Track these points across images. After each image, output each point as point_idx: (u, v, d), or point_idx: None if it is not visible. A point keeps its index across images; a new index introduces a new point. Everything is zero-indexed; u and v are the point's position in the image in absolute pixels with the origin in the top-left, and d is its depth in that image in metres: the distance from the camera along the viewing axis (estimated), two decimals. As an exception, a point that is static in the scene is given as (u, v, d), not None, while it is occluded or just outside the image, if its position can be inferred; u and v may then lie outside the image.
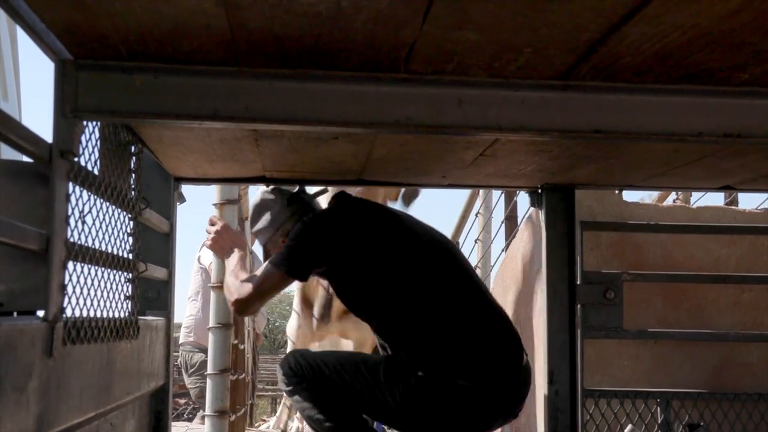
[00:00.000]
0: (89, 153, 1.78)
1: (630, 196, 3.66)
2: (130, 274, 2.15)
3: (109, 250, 1.95)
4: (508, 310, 4.29)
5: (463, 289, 2.63)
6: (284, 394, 4.20)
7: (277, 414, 6.24)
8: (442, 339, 2.53)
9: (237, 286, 2.70)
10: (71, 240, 1.65)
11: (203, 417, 3.94)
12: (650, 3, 1.36)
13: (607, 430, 3.32)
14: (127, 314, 2.10)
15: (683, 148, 2.25)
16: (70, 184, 1.65)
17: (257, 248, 5.05)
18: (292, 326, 5.12)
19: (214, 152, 2.40)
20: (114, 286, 2.00)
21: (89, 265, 1.78)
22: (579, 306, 3.02)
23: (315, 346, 4.90)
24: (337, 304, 4.71)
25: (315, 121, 1.77)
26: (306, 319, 4.99)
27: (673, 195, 5.17)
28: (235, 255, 2.86)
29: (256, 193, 3.01)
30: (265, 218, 2.87)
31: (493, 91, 1.78)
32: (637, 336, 3.31)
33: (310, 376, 2.66)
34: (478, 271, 6.12)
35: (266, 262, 2.69)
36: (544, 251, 2.98)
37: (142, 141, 2.24)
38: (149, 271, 2.35)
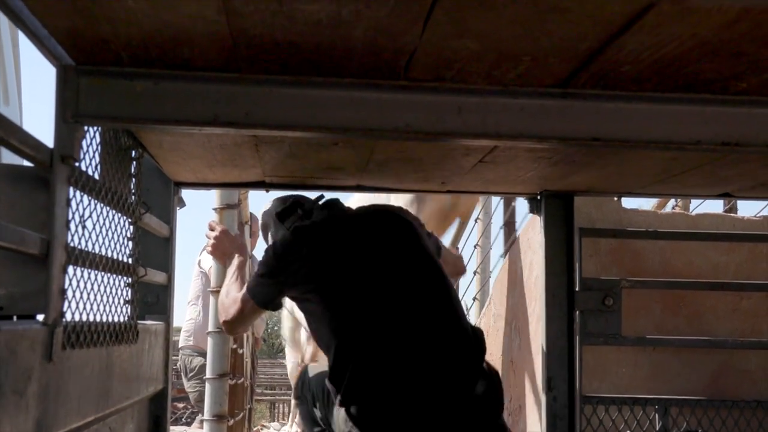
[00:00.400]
0: (90, 158, 1.79)
1: (629, 203, 3.67)
2: (130, 279, 2.16)
3: (109, 255, 1.96)
4: (507, 315, 4.29)
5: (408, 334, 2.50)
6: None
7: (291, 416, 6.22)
8: (398, 359, 2.46)
9: (226, 306, 2.75)
10: (71, 244, 1.65)
11: (202, 421, 3.94)
12: (649, 13, 1.37)
13: (605, 436, 3.32)
14: (126, 318, 2.11)
15: (682, 156, 2.26)
16: (71, 189, 1.65)
17: (257, 252, 5.04)
18: (286, 328, 5.12)
19: (214, 157, 2.40)
20: (113, 291, 2.00)
21: (89, 270, 1.79)
22: (577, 312, 3.02)
23: (311, 346, 4.88)
24: None
25: (315, 127, 1.77)
26: (297, 321, 5.00)
27: (672, 202, 5.18)
28: (235, 261, 2.87)
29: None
30: (270, 235, 2.88)
31: (493, 99, 1.79)
32: (635, 343, 3.32)
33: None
34: (477, 278, 6.13)
35: (246, 285, 2.70)
36: (542, 258, 2.98)
37: (143, 146, 2.25)
38: (149, 275, 2.36)
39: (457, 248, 3.20)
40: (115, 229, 2.01)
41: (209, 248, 3.07)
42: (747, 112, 1.85)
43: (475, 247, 6.31)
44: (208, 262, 5.19)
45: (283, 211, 2.77)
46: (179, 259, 2.87)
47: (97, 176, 1.85)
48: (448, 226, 4.85)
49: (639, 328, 3.38)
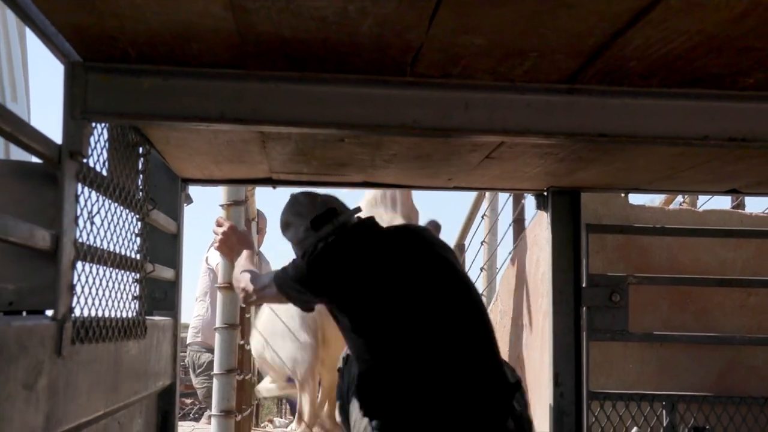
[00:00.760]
0: (98, 154, 1.80)
1: (636, 199, 3.67)
2: (138, 275, 2.17)
3: (117, 251, 1.96)
4: (514, 312, 4.30)
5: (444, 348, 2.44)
6: None
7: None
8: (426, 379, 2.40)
9: (246, 279, 2.73)
10: (80, 240, 1.66)
11: (210, 417, 3.96)
12: (655, 8, 1.37)
13: (612, 432, 3.32)
14: (134, 314, 2.12)
15: (688, 151, 2.25)
16: (79, 185, 1.66)
17: (265, 249, 5.03)
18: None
19: (220, 154, 2.41)
20: (122, 286, 2.01)
21: (97, 266, 1.79)
22: (584, 309, 3.02)
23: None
24: None
25: (322, 124, 1.78)
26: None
27: (679, 198, 5.17)
28: (244, 254, 2.88)
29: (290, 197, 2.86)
30: (292, 232, 2.75)
31: (499, 95, 1.79)
32: (642, 339, 3.32)
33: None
34: (484, 274, 6.13)
35: (275, 272, 2.66)
36: (549, 254, 2.98)
37: (150, 142, 2.25)
38: (156, 271, 2.37)
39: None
40: (123, 225, 2.02)
41: (217, 244, 3.08)
42: (754, 108, 1.85)
43: (482, 243, 6.30)
44: (216, 259, 5.20)
45: (318, 219, 2.64)
46: (186, 255, 2.88)
47: (104, 172, 1.85)
48: None
49: (646, 325, 3.39)
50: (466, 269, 5.84)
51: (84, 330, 1.65)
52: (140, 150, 2.20)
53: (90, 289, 1.73)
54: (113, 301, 1.92)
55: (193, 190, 2.93)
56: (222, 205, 3.71)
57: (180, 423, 3.24)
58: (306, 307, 2.69)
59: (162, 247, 2.66)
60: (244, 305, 4.04)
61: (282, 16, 1.41)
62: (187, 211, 2.90)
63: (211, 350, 5.31)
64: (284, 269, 2.60)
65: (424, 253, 2.57)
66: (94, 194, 1.76)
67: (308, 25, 1.45)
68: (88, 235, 1.72)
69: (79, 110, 1.66)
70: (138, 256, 2.17)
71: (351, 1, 1.34)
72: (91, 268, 1.74)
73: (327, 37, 1.51)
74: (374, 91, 1.75)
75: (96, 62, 1.67)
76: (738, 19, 1.42)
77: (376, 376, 2.46)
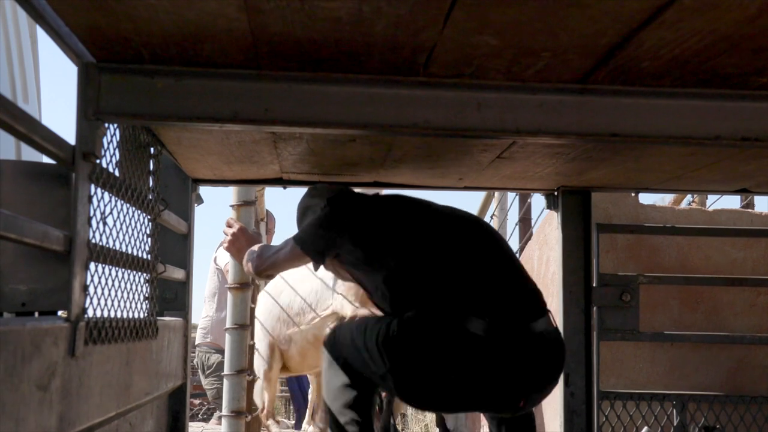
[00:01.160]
0: (110, 155, 1.80)
1: (645, 198, 3.66)
2: (149, 275, 2.17)
3: (129, 251, 1.97)
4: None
5: (484, 250, 2.49)
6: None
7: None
8: (452, 288, 2.38)
9: (257, 250, 2.74)
10: (93, 241, 1.66)
11: (220, 417, 3.96)
12: (669, 9, 1.36)
13: (623, 432, 3.32)
14: (145, 315, 2.12)
15: (700, 151, 2.25)
16: (92, 186, 1.66)
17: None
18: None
19: (232, 154, 2.41)
20: (133, 287, 2.01)
21: (110, 266, 1.80)
22: (595, 308, 3.02)
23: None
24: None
25: (334, 124, 1.78)
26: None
27: (689, 198, 5.16)
28: (255, 247, 2.87)
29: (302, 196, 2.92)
30: (309, 216, 2.74)
31: (512, 95, 1.79)
32: (653, 338, 3.31)
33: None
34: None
35: (291, 238, 2.64)
36: (560, 254, 2.98)
37: (161, 143, 2.26)
38: (168, 271, 2.37)
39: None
40: (135, 226, 2.02)
41: (226, 244, 3.09)
42: (767, 107, 1.84)
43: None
44: (224, 259, 5.21)
45: (336, 195, 2.67)
46: (197, 256, 2.88)
47: (117, 173, 1.85)
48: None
49: (656, 324, 3.38)
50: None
51: (97, 331, 1.65)
52: (152, 150, 2.20)
53: (102, 289, 1.73)
54: (125, 302, 1.92)
55: (204, 190, 2.94)
56: (232, 206, 3.71)
57: (189, 424, 3.25)
58: (319, 258, 2.58)
59: (173, 247, 2.67)
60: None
61: (296, 17, 1.41)
62: (198, 211, 2.90)
63: (220, 351, 5.32)
64: (301, 228, 2.65)
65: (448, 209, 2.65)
66: (106, 195, 1.76)
67: (322, 26, 1.45)
68: (101, 235, 1.72)
69: (92, 111, 1.67)
70: (149, 257, 2.17)
71: (365, 2, 1.34)
72: (103, 268, 1.75)
73: (340, 37, 1.51)
74: (386, 91, 1.75)
75: (109, 63, 1.68)
76: (751, 20, 1.41)
77: (406, 287, 2.43)
